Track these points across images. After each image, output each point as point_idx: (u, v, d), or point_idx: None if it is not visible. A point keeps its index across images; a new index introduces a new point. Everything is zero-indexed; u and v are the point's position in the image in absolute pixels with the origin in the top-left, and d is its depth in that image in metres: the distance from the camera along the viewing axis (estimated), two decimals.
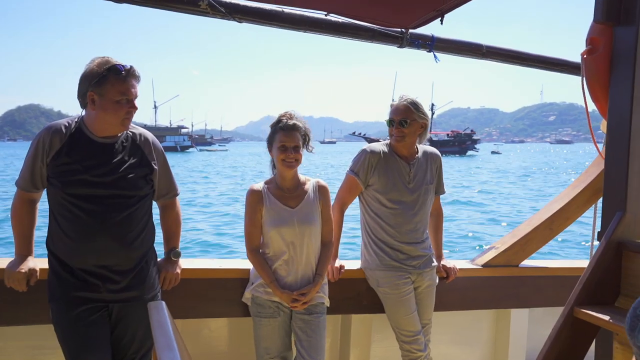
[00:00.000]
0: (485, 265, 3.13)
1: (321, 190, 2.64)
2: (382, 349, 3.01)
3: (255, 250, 2.56)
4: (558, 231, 3.13)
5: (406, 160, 2.80)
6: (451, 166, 48.94)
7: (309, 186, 2.63)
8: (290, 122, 2.50)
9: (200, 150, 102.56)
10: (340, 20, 2.61)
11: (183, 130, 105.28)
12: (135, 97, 2.15)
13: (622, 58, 2.32)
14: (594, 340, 2.36)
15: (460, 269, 3.04)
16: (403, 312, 2.73)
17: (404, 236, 2.75)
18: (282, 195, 2.56)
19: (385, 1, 2.39)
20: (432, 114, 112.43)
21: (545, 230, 3.11)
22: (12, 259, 2.21)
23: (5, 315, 2.34)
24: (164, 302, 1.63)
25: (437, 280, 2.90)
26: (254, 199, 2.56)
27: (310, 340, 2.52)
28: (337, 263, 2.80)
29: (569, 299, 2.34)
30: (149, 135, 2.32)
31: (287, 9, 2.49)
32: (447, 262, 3.03)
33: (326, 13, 2.52)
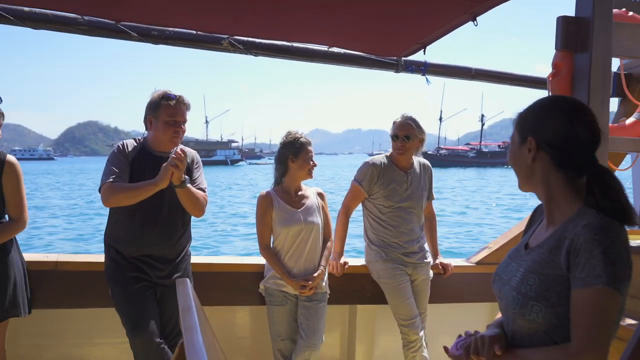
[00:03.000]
0: (478, 263, 3.49)
1: (321, 196, 3.15)
2: (384, 335, 3.42)
3: (267, 247, 3.04)
4: None
5: (404, 170, 3.22)
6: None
7: (310, 192, 3.11)
8: (308, 140, 3.04)
9: (250, 163, 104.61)
10: (342, 52, 3.08)
11: (233, 144, 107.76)
12: (183, 120, 2.70)
13: (580, 81, 2.67)
14: None
15: (455, 266, 3.42)
16: (400, 299, 3.13)
17: (402, 235, 3.17)
18: (289, 199, 3.04)
19: (377, 36, 2.85)
20: (482, 124, 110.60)
21: None
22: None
23: (65, 300, 2.90)
24: (188, 279, 2.13)
25: (432, 275, 3.30)
26: (265, 203, 3.03)
27: (309, 324, 2.95)
28: (342, 260, 3.24)
29: None
30: (192, 152, 2.82)
31: (295, 44, 2.98)
32: (444, 259, 3.42)
33: (328, 47, 2.99)
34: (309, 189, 3.14)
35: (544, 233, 1.50)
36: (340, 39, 2.94)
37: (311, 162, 3.02)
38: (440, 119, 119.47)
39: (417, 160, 3.29)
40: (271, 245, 3.06)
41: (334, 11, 2.51)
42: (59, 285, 2.87)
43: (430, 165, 3.35)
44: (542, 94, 3.29)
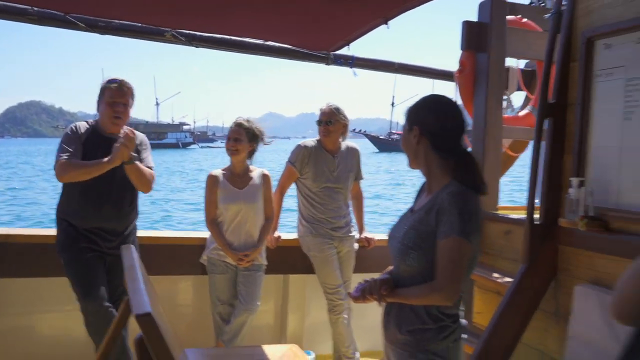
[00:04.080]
0: None
1: (264, 177, 3.45)
2: (313, 301, 3.78)
3: (212, 221, 3.35)
4: None
5: (332, 154, 3.58)
6: None
7: (256, 174, 3.43)
8: (237, 122, 3.31)
9: (202, 147, 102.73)
10: (277, 45, 3.39)
11: (185, 127, 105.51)
12: (124, 103, 2.95)
13: (480, 77, 3.09)
14: None
15: (378, 239, 3.82)
16: (327, 270, 3.51)
17: (329, 212, 3.54)
18: (233, 180, 3.36)
19: (308, 33, 3.18)
20: None
21: None
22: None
23: (15, 270, 3.12)
24: (132, 245, 2.42)
25: (357, 247, 3.69)
26: (212, 182, 3.35)
27: (247, 290, 3.31)
28: (276, 234, 3.59)
29: None
30: (141, 135, 3.10)
31: (234, 37, 3.28)
32: (368, 234, 3.82)
33: (264, 40, 3.30)
34: (256, 170, 3.45)
35: (424, 200, 1.89)
36: (275, 35, 3.26)
37: (229, 144, 3.32)
38: (393, 104, 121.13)
39: (345, 144, 3.66)
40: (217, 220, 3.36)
41: (269, 10, 2.82)
42: (8, 256, 3.09)
43: (358, 149, 3.72)
44: (453, 85, 3.69)
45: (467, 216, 1.72)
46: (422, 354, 1.79)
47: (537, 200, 2.68)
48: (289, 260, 3.66)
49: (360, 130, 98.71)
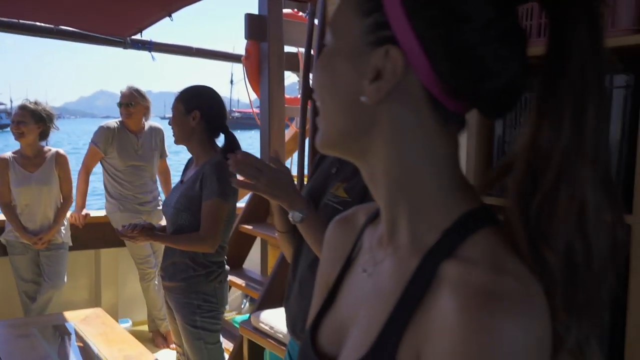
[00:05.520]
0: None
1: (59, 158, 3.49)
2: (126, 273, 4.00)
3: (6, 205, 3.36)
4: None
5: (135, 134, 3.79)
6: None
7: (49, 155, 3.47)
8: (21, 104, 3.35)
9: None
10: (70, 29, 3.49)
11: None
12: None
13: (263, 63, 3.55)
14: (254, 244, 3.62)
15: None
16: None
17: (136, 189, 3.76)
18: (24, 162, 3.39)
19: (103, 19, 3.34)
20: None
21: None
22: None
23: None
24: None
25: None
26: (1, 165, 3.35)
27: (50, 269, 3.41)
28: (84, 212, 3.73)
29: (237, 219, 3.57)
30: None
31: (23, 21, 3.31)
32: None
33: (55, 25, 3.38)
34: (50, 151, 3.49)
35: (192, 171, 2.27)
36: (68, 19, 3.36)
37: (12, 127, 3.34)
38: (232, 82, 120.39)
39: (149, 124, 3.88)
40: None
41: None
42: None
43: (161, 128, 3.96)
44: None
45: (225, 182, 2.14)
46: (194, 294, 2.20)
47: None
48: (100, 235, 3.82)
49: None
